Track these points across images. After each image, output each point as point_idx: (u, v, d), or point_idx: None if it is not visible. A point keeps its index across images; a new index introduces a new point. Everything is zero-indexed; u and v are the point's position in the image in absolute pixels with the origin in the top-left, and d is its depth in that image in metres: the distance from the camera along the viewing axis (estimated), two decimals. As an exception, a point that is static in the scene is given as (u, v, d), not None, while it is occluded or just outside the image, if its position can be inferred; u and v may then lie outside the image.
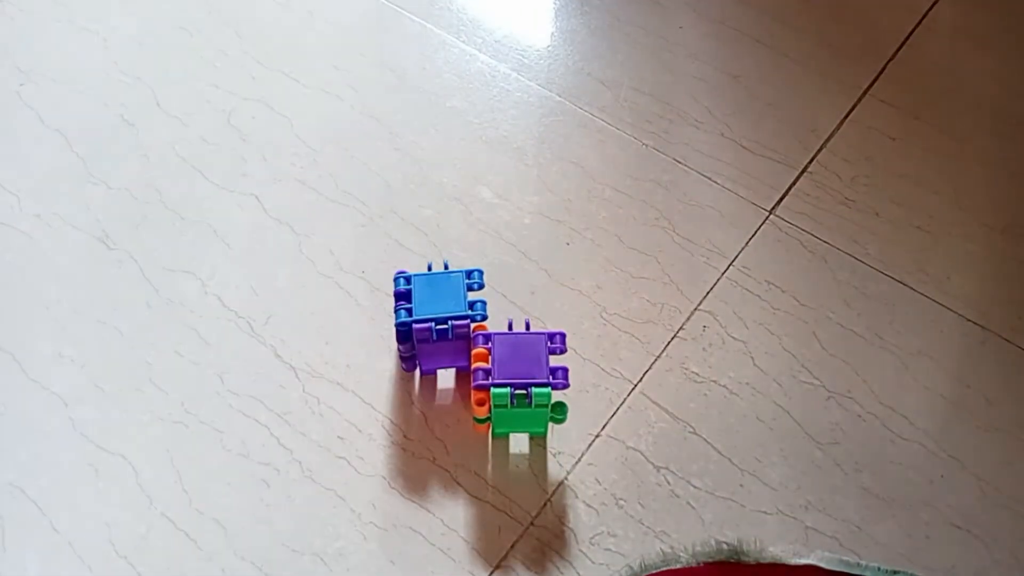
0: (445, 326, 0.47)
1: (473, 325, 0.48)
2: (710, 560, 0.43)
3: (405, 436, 0.50)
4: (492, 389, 0.44)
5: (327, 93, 0.67)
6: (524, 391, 0.44)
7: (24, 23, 0.71)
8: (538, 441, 0.50)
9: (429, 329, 0.46)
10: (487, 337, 0.47)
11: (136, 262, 0.57)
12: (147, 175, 0.62)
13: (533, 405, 0.44)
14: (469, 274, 0.50)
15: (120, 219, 0.59)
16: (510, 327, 0.48)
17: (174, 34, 0.70)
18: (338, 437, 0.50)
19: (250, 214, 0.60)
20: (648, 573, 0.43)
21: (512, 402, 0.44)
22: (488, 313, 0.49)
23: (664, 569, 0.43)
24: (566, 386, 0.45)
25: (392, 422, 0.50)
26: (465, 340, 0.48)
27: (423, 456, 0.49)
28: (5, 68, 0.68)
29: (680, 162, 0.64)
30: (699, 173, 0.63)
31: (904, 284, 0.57)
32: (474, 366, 0.46)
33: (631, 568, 0.42)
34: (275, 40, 0.70)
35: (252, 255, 0.58)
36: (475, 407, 0.45)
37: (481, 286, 0.50)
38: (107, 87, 0.67)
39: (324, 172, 0.62)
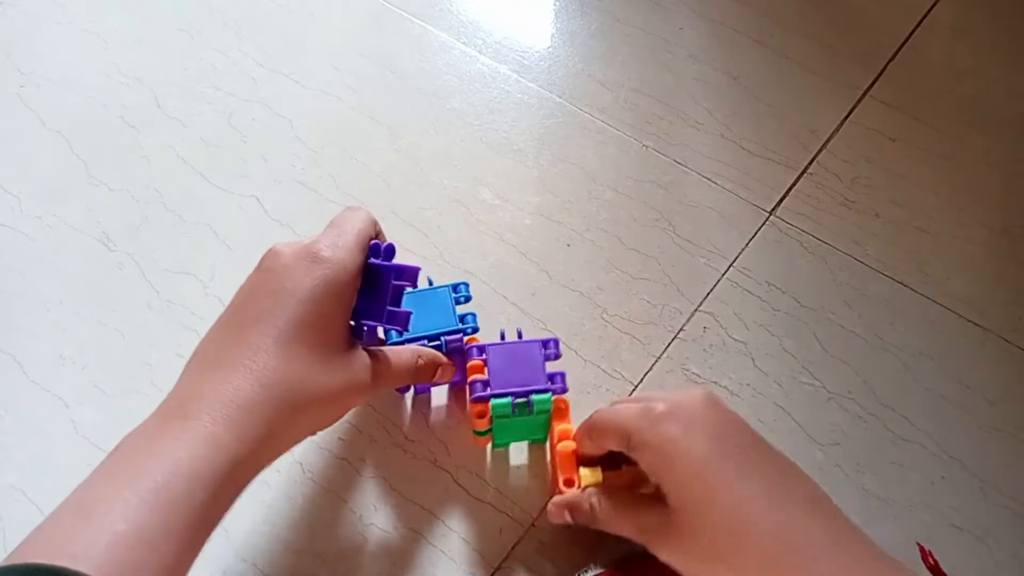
0: (438, 342, 0.46)
1: (466, 338, 0.47)
2: None
3: (406, 438, 0.50)
4: (492, 400, 0.43)
5: (327, 94, 0.67)
6: (524, 399, 0.43)
7: (24, 25, 0.71)
8: (539, 442, 0.50)
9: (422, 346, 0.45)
10: (481, 349, 0.46)
11: (137, 263, 0.57)
12: (147, 176, 0.62)
13: (534, 412, 0.44)
14: (455, 288, 0.49)
15: (120, 220, 0.59)
16: (502, 337, 0.47)
17: (174, 36, 0.70)
18: (339, 438, 0.50)
19: (250, 215, 0.60)
20: (630, 559, 0.43)
21: (513, 411, 0.44)
22: (479, 325, 0.48)
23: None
24: (564, 390, 0.45)
25: (393, 423, 0.50)
26: (459, 354, 0.47)
27: (424, 458, 0.49)
28: (5, 70, 0.68)
29: (680, 163, 0.64)
30: (699, 174, 0.63)
31: (904, 285, 0.58)
32: (471, 379, 0.45)
33: (635, 550, 0.42)
34: (275, 42, 0.71)
35: (253, 256, 0.58)
36: (475, 420, 0.44)
37: (468, 299, 0.49)
38: (107, 89, 0.67)
39: (324, 173, 0.62)
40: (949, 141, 0.65)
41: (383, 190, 0.62)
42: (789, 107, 0.67)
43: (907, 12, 0.73)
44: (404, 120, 0.66)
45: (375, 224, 0.42)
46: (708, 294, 0.57)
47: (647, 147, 0.65)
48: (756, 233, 0.60)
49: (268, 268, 0.40)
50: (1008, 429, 0.51)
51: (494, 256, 0.58)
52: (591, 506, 0.40)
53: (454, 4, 0.73)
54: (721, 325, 0.55)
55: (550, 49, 0.71)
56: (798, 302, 0.57)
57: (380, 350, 0.40)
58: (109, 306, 0.55)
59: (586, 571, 0.43)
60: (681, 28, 0.72)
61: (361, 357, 0.38)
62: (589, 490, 0.41)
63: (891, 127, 0.66)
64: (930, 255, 0.59)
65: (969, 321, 0.56)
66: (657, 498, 0.36)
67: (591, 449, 0.42)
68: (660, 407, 0.36)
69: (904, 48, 0.71)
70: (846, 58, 0.70)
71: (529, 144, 0.65)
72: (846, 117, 0.66)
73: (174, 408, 0.34)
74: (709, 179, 0.63)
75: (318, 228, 0.60)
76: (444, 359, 0.45)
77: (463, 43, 0.71)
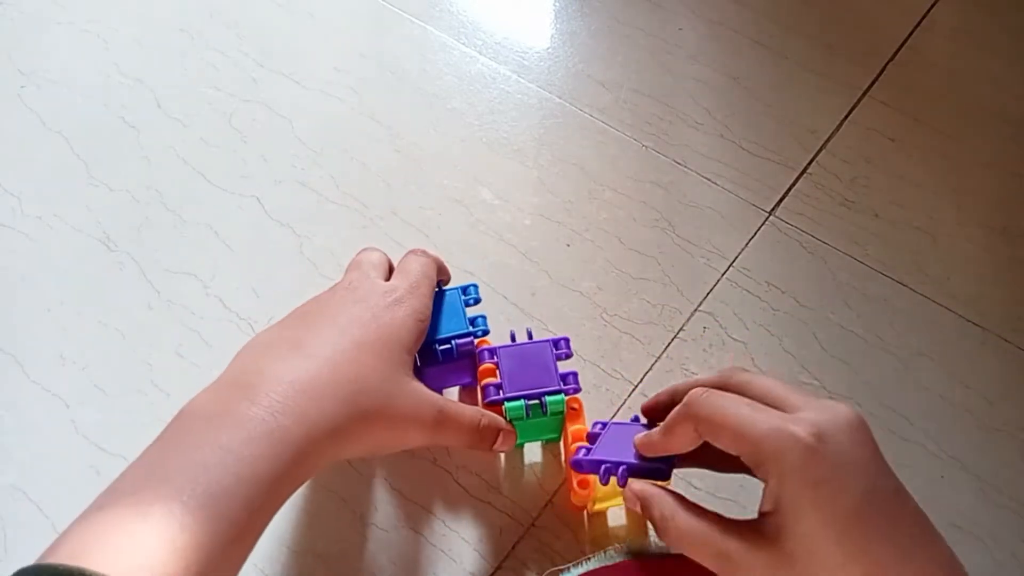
0: (448, 345, 0.45)
1: (476, 341, 0.46)
2: None
3: (406, 437, 0.50)
4: (506, 404, 0.43)
5: (327, 95, 0.67)
6: (538, 401, 0.43)
7: (24, 25, 0.71)
8: (539, 442, 0.50)
9: (432, 350, 0.44)
10: (492, 351, 0.45)
11: (137, 264, 0.57)
12: (148, 177, 0.62)
13: (548, 413, 0.43)
14: (464, 290, 0.48)
15: (121, 221, 0.59)
16: (512, 338, 0.47)
17: (175, 36, 0.71)
18: (339, 438, 0.50)
19: (251, 215, 0.60)
20: (649, 555, 0.43)
21: (527, 414, 0.43)
22: (489, 327, 0.47)
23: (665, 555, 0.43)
24: (578, 390, 0.44)
25: (393, 423, 0.50)
26: (469, 358, 0.46)
27: (424, 457, 0.49)
28: (6, 70, 0.68)
29: (680, 163, 0.64)
30: (699, 174, 0.63)
31: (904, 285, 0.58)
32: (483, 383, 0.44)
33: (631, 548, 0.42)
34: (275, 42, 0.71)
35: (253, 257, 0.58)
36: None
37: (477, 300, 0.48)
38: (108, 89, 0.67)
39: (324, 173, 0.62)
40: (949, 141, 0.65)
41: (383, 190, 0.62)
42: (789, 107, 0.67)
43: (907, 12, 0.73)
44: (404, 120, 0.66)
45: (440, 269, 0.45)
46: (708, 294, 0.57)
47: (647, 147, 0.65)
48: (756, 233, 0.60)
49: (344, 292, 0.39)
50: (1008, 429, 0.51)
51: (494, 256, 0.58)
52: (661, 516, 0.34)
53: (454, 4, 0.73)
54: (721, 325, 0.56)
55: (550, 49, 0.71)
56: (798, 302, 0.57)
57: (447, 400, 0.39)
58: (109, 306, 0.56)
59: (577, 565, 0.43)
60: (681, 29, 0.72)
61: (428, 395, 0.37)
62: (662, 497, 0.35)
63: (890, 127, 0.66)
64: (930, 255, 0.59)
65: (969, 321, 0.56)
66: (751, 527, 0.31)
67: (683, 439, 0.34)
68: (804, 433, 0.29)
69: (904, 48, 0.71)
70: (846, 58, 0.70)
71: (529, 144, 0.65)
72: (845, 117, 0.66)
73: (236, 386, 0.32)
74: (709, 179, 0.63)
75: (318, 228, 0.60)
76: (505, 425, 0.43)
77: (463, 44, 0.71)
